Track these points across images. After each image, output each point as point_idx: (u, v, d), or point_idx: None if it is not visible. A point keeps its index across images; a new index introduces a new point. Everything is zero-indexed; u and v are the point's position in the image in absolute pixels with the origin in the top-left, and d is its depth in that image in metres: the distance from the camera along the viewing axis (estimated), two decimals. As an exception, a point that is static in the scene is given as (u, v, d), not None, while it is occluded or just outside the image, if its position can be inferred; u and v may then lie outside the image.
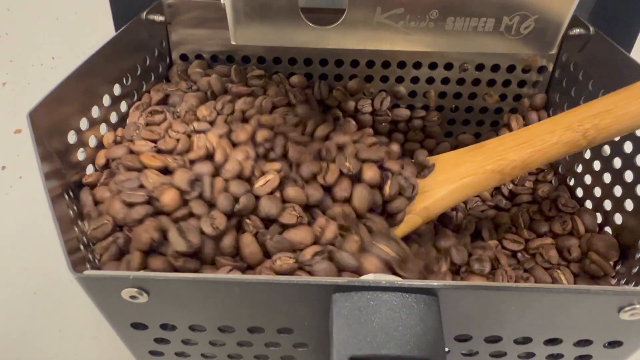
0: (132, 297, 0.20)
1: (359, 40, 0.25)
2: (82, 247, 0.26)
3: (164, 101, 0.38)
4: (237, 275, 0.20)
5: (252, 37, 0.25)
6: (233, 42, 0.26)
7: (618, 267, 0.33)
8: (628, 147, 0.33)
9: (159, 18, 0.39)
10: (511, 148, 0.30)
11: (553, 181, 0.41)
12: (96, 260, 0.27)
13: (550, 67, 0.41)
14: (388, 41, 0.25)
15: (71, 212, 0.27)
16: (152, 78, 0.40)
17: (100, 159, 0.32)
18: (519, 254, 0.34)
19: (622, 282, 0.31)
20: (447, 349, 0.24)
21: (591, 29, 0.36)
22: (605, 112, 0.28)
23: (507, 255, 0.34)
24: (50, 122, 0.29)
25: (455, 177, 0.31)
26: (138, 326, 0.23)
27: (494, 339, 0.23)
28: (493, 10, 0.24)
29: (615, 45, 0.34)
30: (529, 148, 0.29)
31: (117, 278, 0.20)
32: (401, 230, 0.32)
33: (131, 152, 0.32)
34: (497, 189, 0.42)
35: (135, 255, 0.25)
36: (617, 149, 0.34)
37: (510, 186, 0.41)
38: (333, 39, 0.25)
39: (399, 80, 0.42)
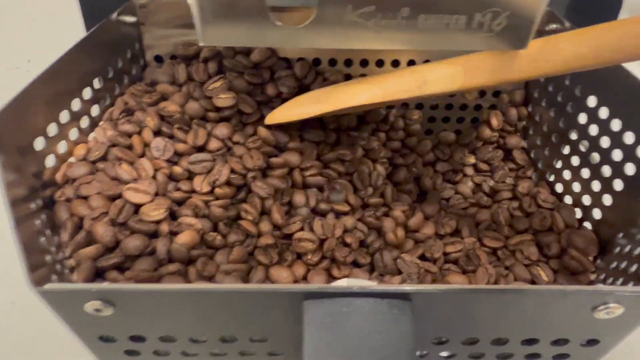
0: (97, 310, 0.20)
1: (331, 39, 0.25)
2: (49, 258, 0.25)
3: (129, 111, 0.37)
4: (204, 285, 0.19)
5: (221, 37, 0.24)
6: (201, 43, 0.25)
7: (598, 262, 0.33)
8: (605, 142, 0.33)
9: (131, 19, 0.38)
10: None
11: (533, 177, 0.41)
12: (66, 271, 0.26)
13: (529, 63, 0.41)
14: (360, 40, 0.25)
15: (38, 222, 0.26)
16: (126, 80, 0.39)
17: (60, 176, 0.31)
18: (499, 252, 0.34)
19: (602, 277, 0.31)
20: (425, 352, 0.24)
21: (566, 24, 0.36)
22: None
23: (487, 253, 0.34)
24: (16, 128, 0.28)
25: None
26: (106, 339, 0.22)
27: (471, 341, 0.23)
28: (465, 7, 0.24)
29: (590, 40, 0.34)
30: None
31: (80, 291, 0.19)
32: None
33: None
34: (478, 186, 0.42)
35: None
36: (594, 144, 0.34)
37: (491, 183, 0.41)
38: (304, 38, 0.25)
39: (378, 78, 0.42)
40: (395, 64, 0.41)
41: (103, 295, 0.19)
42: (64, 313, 0.20)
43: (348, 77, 0.42)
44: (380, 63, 0.41)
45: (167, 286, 0.20)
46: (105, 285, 0.21)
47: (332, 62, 0.41)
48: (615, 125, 0.32)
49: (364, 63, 0.41)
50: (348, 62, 0.41)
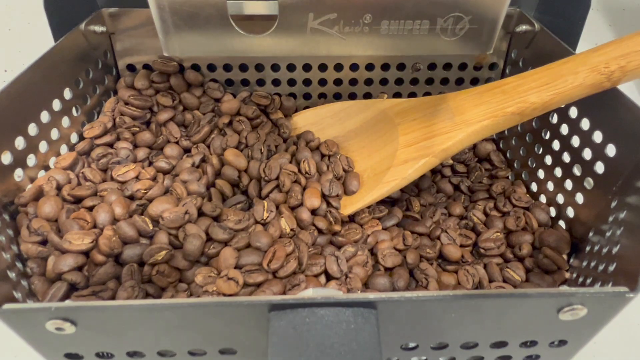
0: (58, 328, 0.19)
1: (294, 46, 0.25)
2: (13, 275, 0.24)
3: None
4: (165, 300, 0.19)
5: (184, 47, 0.24)
6: (165, 54, 0.25)
7: (572, 261, 0.33)
8: (575, 141, 0.33)
9: (100, 28, 0.37)
10: (532, 89, 0.29)
11: (510, 177, 0.41)
12: (32, 287, 0.26)
13: (501, 64, 0.41)
14: (324, 46, 0.25)
15: (2, 239, 0.26)
16: (98, 91, 0.39)
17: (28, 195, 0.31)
18: (474, 251, 0.34)
19: (574, 276, 0.31)
20: (396, 359, 0.23)
21: (536, 25, 0.36)
22: (634, 53, 0.26)
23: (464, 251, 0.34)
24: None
25: (474, 119, 0.31)
26: (72, 356, 0.22)
27: (440, 346, 0.23)
28: (427, 13, 0.24)
29: (559, 41, 0.34)
30: (551, 90, 0.28)
31: (39, 310, 0.19)
32: (419, 171, 0.32)
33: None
34: (456, 186, 0.42)
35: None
36: (565, 143, 0.34)
37: (468, 183, 0.41)
38: (267, 46, 0.25)
39: (353, 82, 0.42)
40: (370, 67, 0.41)
41: (63, 314, 0.19)
42: (24, 332, 0.20)
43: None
44: (354, 67, 0.41)
45: (126, 302, 0.19)
46: (65, 303, 0.20)
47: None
48: (585, 124, 0.32)
49: (339, 67, 0.41)
50: (323, 67, 0.41)
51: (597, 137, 0.31)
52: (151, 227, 0.29)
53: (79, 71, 0.37)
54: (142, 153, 0.36)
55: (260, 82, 0.41)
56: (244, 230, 0.30)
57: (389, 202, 0.38)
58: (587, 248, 0.31)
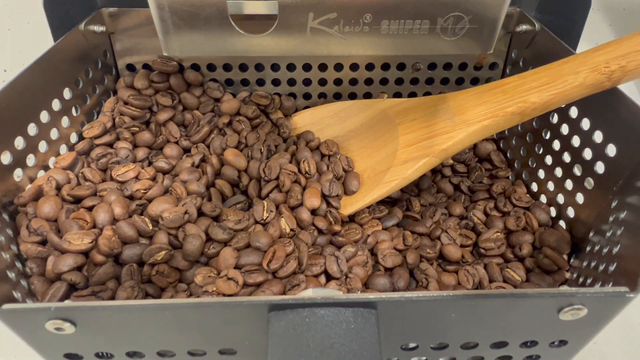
0: (58, 328, 0.19)
1: (294, 46, 0.25)
2: (13, 275, 0.24)
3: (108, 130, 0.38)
4: (165, 300, 0.19)
5: (184, 47, 0.24)
6: (165, 54, 0.25)
7: (572, 261, 0.33)
8: (576, 141, 0.33)
9: (100, 28, 0.37)
10: (533, 89, 0.29)
11: (510, 177, 0.41)
12: (31, 287, 0.26)
13: (502, 64, 0.41)
14: (324, 46, 0.25)
15: (1, 239, 0.26)
16: (97, 90, 0.39)
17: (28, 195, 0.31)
18: (474, 251, 0.34)
19: (575, 276, 0.31)
20: (396, 359, 0.23)
21: (537, 25, 0.36)
22: (635, 53, 0.26)
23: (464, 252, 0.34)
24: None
25: (475, 118, 0.31)
26: (71, 356, 0.22)
27: (440, 346, 0.23)
28: (427, 12, 0.24)
29: (559, 41, 0.34)
30: (552, 90, 0.28)
31: (38, 310, 0.19)
32: (419, 170, 0.32)
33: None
34: (456, 186, 0.42)
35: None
36: (565, 143, 0.34)
37: (468, 183, 0.41)
38: (267, 46, 0.25)
39: (353, 82, 0.42)
40: (370, 67, 0.41)
41: (63, 314, 0.19)
42: (24, 332, 0.20)
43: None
44: (354, 67, 0.41)
45: (128, 302, 0.19)
46: (65, 303, 0.20)
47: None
48: (585, 124, 0.32)
49: (339, 67, 0.41)
50: (323, 67, 0.41)
51: (598, 137, 0.31)
52: (151, 227, 0.29)
53: (79, 71, 0.37)
54: (141, 153, 0.36)
55: (260, 82, 0.41)
56: (243, 230, 0.30)
57: (389, 202, 0.38)
58: (588, 248, 0.31)
